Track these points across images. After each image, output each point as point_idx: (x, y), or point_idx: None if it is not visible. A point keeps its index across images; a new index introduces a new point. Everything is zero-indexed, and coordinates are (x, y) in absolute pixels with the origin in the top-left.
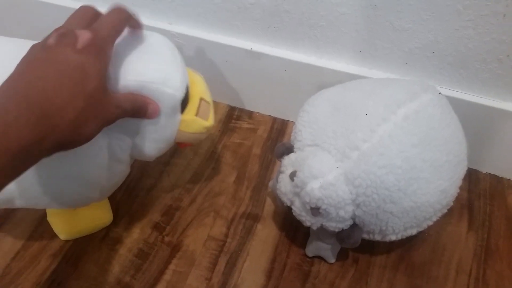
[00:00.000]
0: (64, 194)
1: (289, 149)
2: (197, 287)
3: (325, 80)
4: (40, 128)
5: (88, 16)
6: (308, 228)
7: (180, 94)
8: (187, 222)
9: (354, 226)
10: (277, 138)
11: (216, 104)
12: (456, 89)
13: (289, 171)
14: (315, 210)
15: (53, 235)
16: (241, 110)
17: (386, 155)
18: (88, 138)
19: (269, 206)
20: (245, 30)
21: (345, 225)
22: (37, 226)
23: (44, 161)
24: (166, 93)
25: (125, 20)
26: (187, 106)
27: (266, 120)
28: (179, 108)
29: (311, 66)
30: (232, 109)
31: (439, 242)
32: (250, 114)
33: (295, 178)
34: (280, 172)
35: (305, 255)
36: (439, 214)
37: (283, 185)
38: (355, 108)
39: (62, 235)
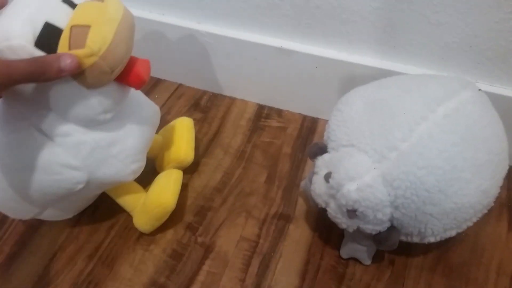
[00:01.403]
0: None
1: (323, 149)
2: None
3: (358, 76)
4: None
5: None
6: (343, 229)
7: (20, 40)
8: (219, 222)
9: (392, 228)
10: (308, 136)
11: (245, 103)
12: (496, 84)
13: (323, 172)
14: (352, 213)
15: (89, 237)
16: (271, 109)
17: (426, 155)
18: None
19: (301, 206)
20: (274, 27)
21: (383, 227)
22: (73, 227)
23: None
24: (8, 46)
25: None
26: (59, 46)
27: (296, 118)
28: (38, 53)
29: (342, 62)
30: (261, 107)
31: (478, 242)
32: (279, 112)
33: (330, 179)
34: (313, 173)
35: (340, 256)
36: (480, 215)
37: (318, 187)
38: (392, 106)
39: (143, 227)
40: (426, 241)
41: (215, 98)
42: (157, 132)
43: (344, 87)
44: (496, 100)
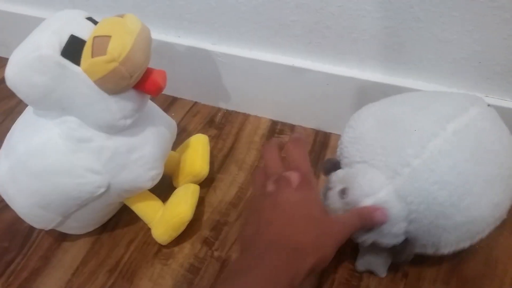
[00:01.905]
0: (45, 195)
1: (336, 165)
2: None
3: (368, 93)
4: (296, 265)
5: (277, 154)
6: (358, 243)
7: (47, 50)
8: (234, 236)
9: (407, 242)
10: (320, 151)
11: (258, 119)
12: (506, 98)
13: (337, 188)
14: (368, 228)
15: (109, 252)
16: (284, 124)
17: (438, 171)
18: (328, 258)
19: None
20: (286, 47)
21: (398, 240)
22: (94, 243)
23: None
24: (38, 56)
25: (306, 147)
26: (82, 55)
27: (308, 134)
28: (63, 61)
29: (353, 79)
30: (274, 123)
31: (492, 255)
32: (292, 127)
33: (345, 195)
34: (328, 188)
35: (354, 269)
36: (492, 227)
37: (332, 202)
38: (403, 123)
39: (161, 238)
40: (440, 252)
41: (229, 115)
42: (174, 149)
43: (355, 103)
44: (506, 114)
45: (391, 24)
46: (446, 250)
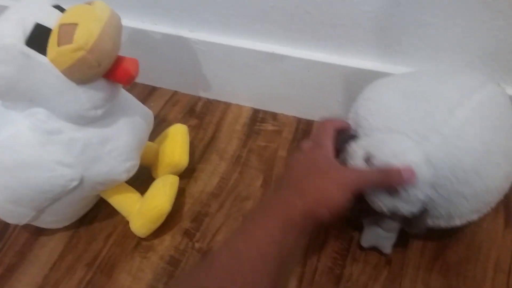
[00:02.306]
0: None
1: (353, 136)
2: None
3: (349, 79)
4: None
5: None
6: (340, 230)
7: (11, 40)
8: (216, 228)
9: (424, 211)
10: (303, 139)
11: (239, 108)
12: None
13: (360, 156)
14: (395, 191)
15: (87, 246)
16: (265, 112)
17: (465, 138)
18: (338, 204)
19: None
20: (266, 33)
21: (417, 208)
22: (71, 237)
23: None
24: (1, 46)
25: (329, 123)
26: (48, 44)
27: (290, 122)
28: (28, 51)
29: (334, 65)
30: (256, 111)
31: (475, 240)
32: (274, 115)
33: (372, 162)
34: (346, 159)
35: (336, 258)
36: (497, 200)
37: None
38: (428, 94)
39: (139, 231)
40: (452, 224)
41: (210, 104)
42: (152, 140)
43: (336, 90)
44: None
45: (371, 8)
46: (458, 221)
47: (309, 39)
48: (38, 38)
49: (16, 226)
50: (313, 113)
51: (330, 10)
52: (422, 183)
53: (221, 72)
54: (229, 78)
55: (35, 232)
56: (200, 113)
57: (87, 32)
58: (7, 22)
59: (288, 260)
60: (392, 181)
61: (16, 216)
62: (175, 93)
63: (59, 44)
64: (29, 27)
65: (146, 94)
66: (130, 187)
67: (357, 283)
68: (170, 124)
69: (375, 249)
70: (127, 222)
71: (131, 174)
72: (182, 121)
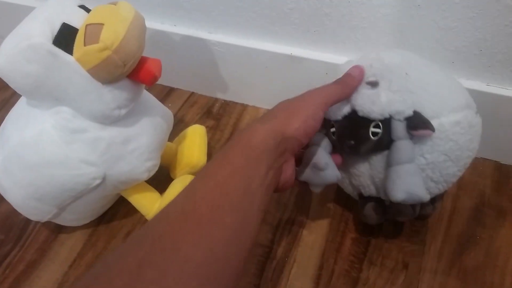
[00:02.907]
0: (40, 187)
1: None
2: None
3: None
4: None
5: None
6: (357, 233)
7: (39, 39)
8: None
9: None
10: None
11: (256, 109)
12: (507, 87)
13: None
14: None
15: (106, 244)
16: None
17: None
18: (312, 121)
19: (314, 212)
20: (284, 35)
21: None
22: (90, 235)
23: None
24: (29, 45)
25: None
26: (75, 44)
27: None
28: (55, 50)
29: None
30: None
31: (493, 246)
32: None
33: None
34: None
35: (354, 261)
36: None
37: (381, 99)
38: None
39: None
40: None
41: (227, 106)
42: (171, 140)
43: None
44: (506, 103)
45: (391, 11)
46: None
47: (328, 42)
48: (65, 37)
49: (37, 223)
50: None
51: (349, 13)
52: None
53: (238, 73)
54: (246, 79)
55: (55, 230)
56: (217, 114)
57: (113, 32)
58: (35, 22)
59: (263, 186)
60: (348, 85)
61: (38, 213)
62: (192, 94)
63: (85, 44)
64: (56, 27)
65: (164, 95)
66: (150, 186)
67: (374, 287)
68: (187, 125)
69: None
70: (146, 221)
71: (152, 173)
72: (199, 122)
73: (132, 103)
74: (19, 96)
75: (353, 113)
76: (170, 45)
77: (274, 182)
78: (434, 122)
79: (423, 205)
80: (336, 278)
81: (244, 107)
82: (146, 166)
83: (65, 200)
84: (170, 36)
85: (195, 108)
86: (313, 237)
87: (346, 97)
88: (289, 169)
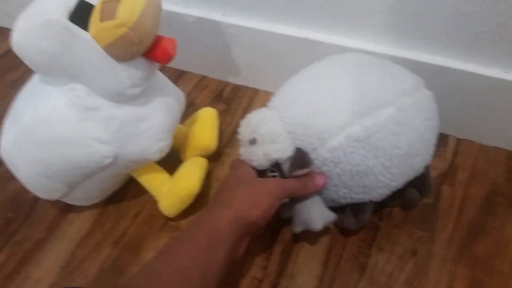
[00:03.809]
0: (51, 164)
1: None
2: (254, 276)
3: None
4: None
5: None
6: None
7: (54, 15)
8: None
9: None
10: None
11: (267, 94)
12: None
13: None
14: None
15: (115, 224)
16: None
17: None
18: (270, 210)
19: None
20: (300, 18)
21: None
22: (99, 214)
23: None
24: (45, 20)
25: None
26: (91, 20)
27: None
28: (71, 26)
29: (369, 52)
30: None
31: (503, 235)
32: None
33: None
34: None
35: (363, 246)
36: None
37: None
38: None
39: (168, 211)
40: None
41: (238, 90)
42: (181, 123)
43: None
44: None
45: None
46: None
47: (344, 25)
48: (81, 14)
49: (46, 201)
50: None
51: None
52: None
53: (251, 57)
54: (259, 63)
55: (64, 209)
56: (228, 98)
57: (130, 9)
58: None
59: (220, 271)
60: (307, 188)
61: (49, 191)
62: (203, 77)
63: (101, 20)
64: (72, 3)
65: (175, 77)
66: (160, 167)
67: (382, 272)
68: (198, 108)
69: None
70: (156, 202)
71: (164, 154)
72: (210, 105)
73: (146, 82)
74: (30, 76)
75: None
76: (182, 27)
77: (230, 261)
78: (313, 154)
79: (406, 192)
80: (344, 262)
81: (255, 91)
82: (158, 146)
83: (76, 178)
84: (183, 17)
85: (206, 91)
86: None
87: (301, 196)
88: (243, 245)
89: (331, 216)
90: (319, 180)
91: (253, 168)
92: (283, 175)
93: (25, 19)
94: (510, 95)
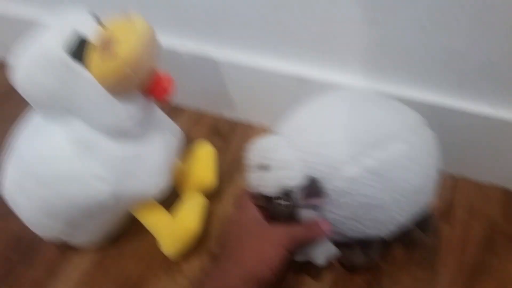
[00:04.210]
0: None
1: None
2: None
3: None
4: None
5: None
6: None
7: (53, 49)
8: None
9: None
10: None
11: (263, 129)
12: None
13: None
14: None
15: (115, 264)
16: None
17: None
18: (279, 263)
19: None
20: (292, 55)
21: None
22: (100, 255)
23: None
24: (43, 55)
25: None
26: (88, 55)
27: None
28: (69, 61)
29: (360, 88)
30: None
31: (506, 274)
32: None
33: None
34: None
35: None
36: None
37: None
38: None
39: (169, 252)
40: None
41: (234, 124)
42: (179, 158)
43: None
44: None
45: (398, 33)
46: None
47: (335, 62)
48: (80, 49)
49: (46, 242)
50: None
51: (358, 35)
52: None
53: (246, 92)
54: (254, 99)
55: (64, 248)
56: (223, 133)
57: (128, 46)
58: (50, 32)
59: None
60: (314, 233)
61: (49, 230)
62: (199, 112)
63: (100, 56)
64: (70, 38)
65: (171, 112)
66: (162, 207)
67: None
68: (194, 143)
69: None
70: (156, 242)
71: (162, 190)
72: (206, 140)
73: (144, 118)
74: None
75: None
76: (178, 63)
77: None
78: (328, 184)
79: (409, 230)
80: None
81: (250, 125)
82: (157, 183)
83: (77, 217)
84: (179, 54)
85: (202, 126)
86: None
87: (308, 242)
88: None
89: (334, 251)
90: (325, 226)
91: (261, 195)
92: (293, 204)
93: (24, 53)
94: (500, 132)
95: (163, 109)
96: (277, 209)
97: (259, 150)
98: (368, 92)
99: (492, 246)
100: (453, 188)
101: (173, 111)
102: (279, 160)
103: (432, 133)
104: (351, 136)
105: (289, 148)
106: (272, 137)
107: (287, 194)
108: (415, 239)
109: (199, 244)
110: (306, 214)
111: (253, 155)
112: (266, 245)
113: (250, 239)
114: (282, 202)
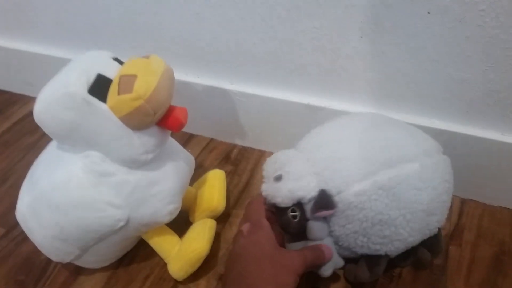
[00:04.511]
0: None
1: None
2: None
3: None
4: None
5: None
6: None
7: (76, 88)
8: None
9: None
10: None
11: None
12: None
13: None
14: None
15: (125, 286)
16: None
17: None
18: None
19: None
20: (301, 86)
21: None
22: (109, 277)
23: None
24: (66, 93)
25: (259, 202)
26: (109, 93)
27: None
28: (90, 98)
29: None
30: None
31: None
32: None
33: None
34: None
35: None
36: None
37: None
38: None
39: (177, 274)
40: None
41: (245, 151)
42: (191, 184)
43: None
44: None
45: (406, 65)
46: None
47: (344, 92)
48: (100, 87)
49: (57, 264)
50: None
51: (365, 66)
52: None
53: (257, 121)
54: (264, 127)
55: (75, 272)
56: (235, 160)
57: (146, 83)
58: (72, 72)
59: None
60: (325, 258)
61: (61, 253)
62: (211, 140)
63: (119, 93)
64: (91, 77)
65: (184, 140)
66: (170, 230)
67: None
68: (206, 170)
69: None
70: (165, 264)
71: (174, 216)
72: (218, 167)
73: (159, 149)
74: (45, 140)
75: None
76: (192, 95)
77: None
78: (338, 197)
79: (418, 251)
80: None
81: (261, 153)
82: (168, 209)
83: (89, 241)
84: (193, 86)
85: (214, 153)
86: (333, 285)
87: (321, 263)
88: None
89: (340, 263)
90: (329, 250)
91: (274, 206)
92: (304, 216)
93: (48, 91)
94: (508, 156)
95: (175, 137)
96: (288, 220)
97: (274, 162)
98: (388, 116)
99: (500, 267)
100: (462, 210)
101: (187, 139)
102: (293, 172)
103: (448, 159)
104: (366, 154)
105: (303, 161)
106: (288, 150)
107: (298, 206)
108: (422, 261)
109: (208, 266)
110: (315, 226)
111: (268, 167)
112: (283, 272)
113: (266, 263)
114: (294, 213)
